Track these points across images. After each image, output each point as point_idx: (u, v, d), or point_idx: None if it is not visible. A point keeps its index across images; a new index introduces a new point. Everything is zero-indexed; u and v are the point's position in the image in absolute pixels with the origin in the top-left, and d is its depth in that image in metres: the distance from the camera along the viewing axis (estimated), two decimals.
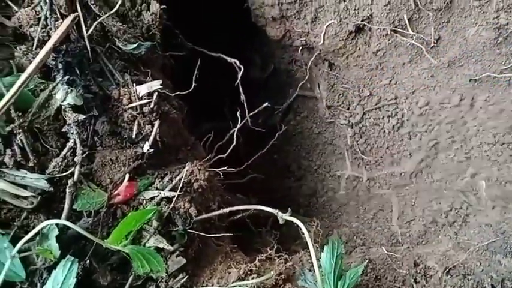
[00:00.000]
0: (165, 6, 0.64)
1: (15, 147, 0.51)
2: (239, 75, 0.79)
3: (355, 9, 0.81)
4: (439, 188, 0.86)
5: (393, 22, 0.79)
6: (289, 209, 0.56)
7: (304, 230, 0.53)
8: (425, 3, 0.76)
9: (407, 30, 0.79)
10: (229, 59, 0.81)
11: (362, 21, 0.81)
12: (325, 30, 0.85)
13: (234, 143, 0.73)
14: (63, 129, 0.53)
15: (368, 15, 0.80)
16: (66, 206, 0.49)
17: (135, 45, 0.60)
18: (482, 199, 0.82)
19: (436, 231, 0.84)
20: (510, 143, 0.82)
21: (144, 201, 0.56)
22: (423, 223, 0.85)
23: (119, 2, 0.59)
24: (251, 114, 0.75)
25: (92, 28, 0.56)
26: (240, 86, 0.80)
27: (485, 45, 0.76)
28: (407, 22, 0.78)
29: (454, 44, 0.78)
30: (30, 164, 0.51)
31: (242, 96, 0.81)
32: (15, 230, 0.49)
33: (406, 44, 0.81)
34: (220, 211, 0.60)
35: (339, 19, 0.83)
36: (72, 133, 0.52)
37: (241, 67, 0.78)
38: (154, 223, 0.54)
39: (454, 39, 0.78)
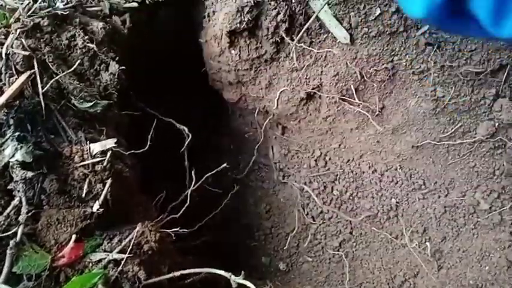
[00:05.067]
0: (124, 67, 0.65)
1: None
2: (186, 142, 0.80)
3: (306, 78, 0.86)
4: (388, 249, 0.88)
5: (341, 91, 0.84)
6: (242, 272, 0.55)
7: None
8: (370, 75, 0.82)
9: (354, 99, 0.84)
10: (178, 125, 0.83)
11: (313, 89, 0.86)
12: (279, 96, 0.89)
13: (188, 203, 0.72)
14: (8, 187, 0.51)
15: (318, 84, 0.85)
16: (5, 269, 0.46)
17: (91, 104, 0.60)
18: (429, 260, 0.85)
19: None
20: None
21: (90, 264, 0.54)
22: (373, 285, 0.86)
23: (78, 62, 0.60)
24: (208, 174, 0.76)
25: (48, 85, 0.56)
26: (186, 153, 0.81)
27: (425, 115, 0.82)
28: (353, 91, 0.83)
29: (397, 112, 0.84)
30: None
31: (186, 163, 0.81)
32: None
33: (353, 111, 0.86)
34: (171, 274, 0.58)
35: (292, 86, 0.87)
36: (19, 191, 0.50)
37: (190, 134, 0.80)
38: (101, 287, 0.52)
39: (396, 109, 0.84)
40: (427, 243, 0.86)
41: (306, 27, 0.80)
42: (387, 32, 0.79)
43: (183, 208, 0.71)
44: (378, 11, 0.78)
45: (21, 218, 0.49)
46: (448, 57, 0.80)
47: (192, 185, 0.75)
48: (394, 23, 0.78)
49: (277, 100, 0.90)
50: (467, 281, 0.82)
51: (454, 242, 0.86)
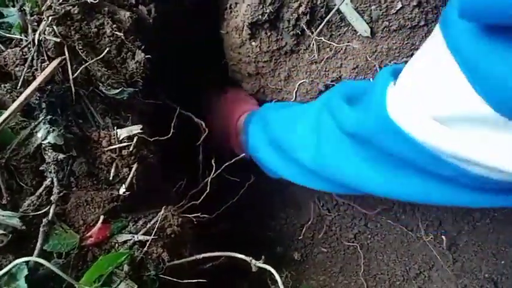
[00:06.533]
0: (149, 56, 0.66)
1: None
2: (202, 137, 0.81)
3: (325, 71, 0.86)
4: (404, 242, 0.89)
5: None
6: (262, 256, 0.57)
7: (277, 277, 0.54)
8: None
9: None
10: (196, 119, 0.84)
11: (332, 81, 0.87)
12: (297, 88, 0.90)
13: (208, 191, 0.74)
14: (40, 168, 0.53)
15: (337, 76, 0.86)
16: (38, 245, 0.48)
17: (118, 90, 0.62)
18: (444, 253, 0.85)
19: (400, 285, 0.86)
20: None
21: (117, 245, 0.56)
22: (388, 277, 0.87)
23: (106, 49, 0.61)
24: (227, 163, 0.77)
25: (77, 72, 0.58)
26: (201, 148, 0.83)
27: None
28: None
29: None
30: (3, 201, 0.50)
31: (200, 157, 0.83)
32: None
33: None
34: (194, 257, 0.60)
35: (311, 79, 0.88)
36: (50, 172, 0.52)
37: (206, 129, 0.81)
38: (126, 267, 0.53)
39: None
40: (443, 237, 0.87)
41: (326, 19, 0.81)
42: (408, 26, 0.79)
43: (203, 195, 0.73)
44: (399, 5, 0.78)
45: (53, 197, 0.51)
46: None
47: (212, 173, 0.76)
48: (415, 17, 0.78)
49: (296, 92, 0.91)
50: (482, 275, 0.83)
51: (470, 236, 0.86)
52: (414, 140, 0.48)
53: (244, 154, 0.86)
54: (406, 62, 0.84)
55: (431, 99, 0.47)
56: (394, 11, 0.79)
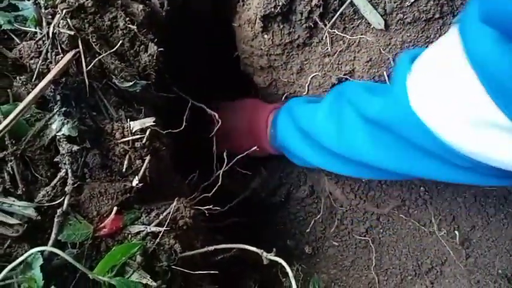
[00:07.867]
0: (162, 49, 0.67)
1: (5, 175, 0.51)
2: (215, 128, 0.81)
3: (338, 64, 0.86)
4: (416, 237, 0.88)
5: (373, 77, 0.84)
6: (273, 249, 0.57)
7: (288, 269, 0.54)
8: None
9: None
10: (209, 111, 0.84)
11: (345, 74, 0.86)
12: (310, 82, 0.90)
13: (220, 183, 0.74)
14: (55, 159, 0.54)
15: (350, 69, 0.85)
16: (53, 236, 0.49)
17: (131, 83, 0.62)
18: (457, 248, 0.85)
19: (412, 280, 0.85)
20: None
21: (130, 236, 0.56)
22: (400, 271, 0.87)
23: (119, 42, 0.62)
24: (239, 157, 0.77)
25: (91, 65, 0.58)
26: (214, 139, 0.83)
27: None
28: (386, 78, 0.83)
29: None
30: (19, 192, 0.51)
31: (214, 148, 0.83)
32: None
33: None
34: (205, 249, 0.60)
35: (323, 72, 0.88)
36: (65, 163, 0.53)
37: (219, 120, 0.81)
38: (138, 258, 0.54)
39: None
40: (456, 232, 0.86)
41: (340, 12, 0.80)
42: (422, 19, 0.78)
43: (215, 187, 0.73)
44: None
45: (68, 188, 0.52)
46: None
47: (224, 166, 0.76)
48: (429, 10, 0.77)
49: (308, 85, 0.90)
50: (495, 270, 0.82)
51: (483, 231, 0.86)
52: (435, 135, 0.52)
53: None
54: None
55: (451, 100, 0.50)
56: (409, 4, 0.78)
